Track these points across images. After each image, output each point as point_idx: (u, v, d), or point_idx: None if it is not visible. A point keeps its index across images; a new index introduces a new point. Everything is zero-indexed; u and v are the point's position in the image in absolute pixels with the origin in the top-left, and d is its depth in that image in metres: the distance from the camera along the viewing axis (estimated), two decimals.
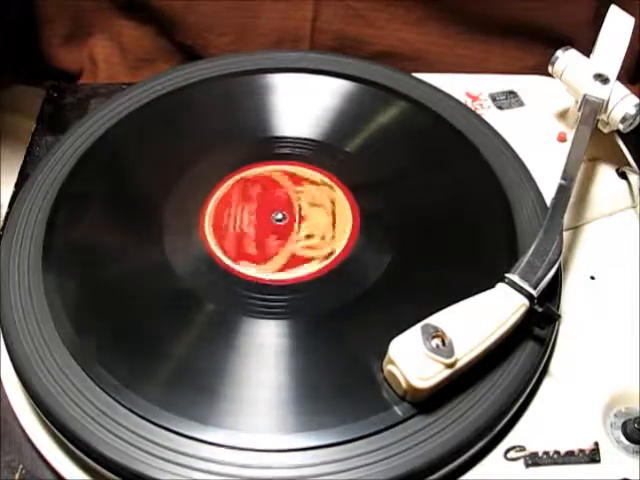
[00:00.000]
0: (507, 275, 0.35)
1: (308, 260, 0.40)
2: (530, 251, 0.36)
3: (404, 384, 0.32)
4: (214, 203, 0.42)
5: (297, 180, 0.44)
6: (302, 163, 0.45)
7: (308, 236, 0.41)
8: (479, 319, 0.33)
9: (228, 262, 0.39)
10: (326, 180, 0.44)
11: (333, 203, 0.42)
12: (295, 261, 0.40)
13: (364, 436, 0.32)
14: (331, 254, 0.40)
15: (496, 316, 0.33)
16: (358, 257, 0.40)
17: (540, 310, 0.34)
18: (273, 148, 0.45)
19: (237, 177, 0.43)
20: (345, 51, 0.58)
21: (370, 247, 0.40)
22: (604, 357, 0.38)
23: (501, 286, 0.35)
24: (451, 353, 0.32)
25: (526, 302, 0.34)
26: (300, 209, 0.42)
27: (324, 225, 0.41)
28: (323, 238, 0.41)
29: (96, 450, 0.32)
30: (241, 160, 0.45)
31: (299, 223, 0.42)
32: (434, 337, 0.32)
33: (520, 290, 0.34)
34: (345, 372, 0.34)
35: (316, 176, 0.44)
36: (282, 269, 0.39)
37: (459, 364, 0.32)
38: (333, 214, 0.42)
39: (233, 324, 0.36)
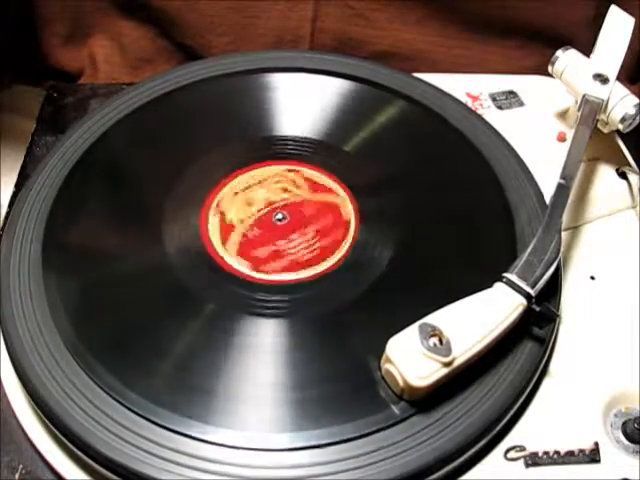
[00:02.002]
0: (505, 274, 0.35)
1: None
2: (528, 250, 0.36)
3: (401, 383, 0.32)
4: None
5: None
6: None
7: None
8: (477, 318, 0.33)
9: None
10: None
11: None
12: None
13: (363, 435, 0.32)
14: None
15: (494, 315, 0.33)
16: (358, 257, 0.40)
17: (538, 309, 0.34)
18: (273, 148, 0.45)
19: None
20: (345, 51, 0.58)
21: (370, 247, 0.40)
22: (604, 357, 0.38)
23: (499, 285, 0.35)
24: (448, 352, 0.32)
25: (524, 301, 0.34)
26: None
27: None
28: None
29: (96, 450, 0.32)
30: (241, 160, 0.45)
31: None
32: (431, 336, 0.32)
33: (518, 289, 0.34)
34: (344, 372, 0.34)
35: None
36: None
37: (456, 363, 0.32)
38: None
39: (233, 323, 0.36)
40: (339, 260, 0.40)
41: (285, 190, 0.43)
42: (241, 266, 0.39)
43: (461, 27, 0.58)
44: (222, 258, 0.40)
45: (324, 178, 0.44)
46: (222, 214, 0.42)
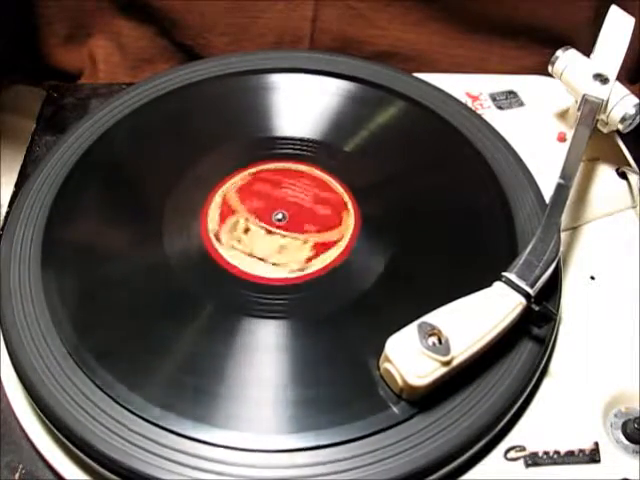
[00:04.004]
0: (504, 274, 0.35)
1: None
2: (527, 250, 0.36)
3: (400, 382, 0.32)
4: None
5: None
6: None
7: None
8: (476, 317, 0.33)
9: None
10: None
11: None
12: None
13: (363, 436, 0.32)
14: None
15: (493, 314, 0.33)
16: (358, 257, 0.40)
17: (537, 309, 0.34)
18: (273, 148, 0.45)
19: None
20: (345, 51, 0.58)
21: (370, 247, 0.40)
22: (604, 357, 0.38)
23: (498, 284, 0.35)
24: (447, 351, 0.32)
25: (523, 301, 0.34)
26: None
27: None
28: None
29: (96, 450, 0.32)
30: (241, 160, 0.45)
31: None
32: (430, 335, 0.32)
33: (517, 289, 0.34)
34: (344, 372, 0.34)
35: None
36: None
37: (455, 362, 0.32)
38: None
39: (233, 324, 0.36)
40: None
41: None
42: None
43: (461, 27, 0.58)
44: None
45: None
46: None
